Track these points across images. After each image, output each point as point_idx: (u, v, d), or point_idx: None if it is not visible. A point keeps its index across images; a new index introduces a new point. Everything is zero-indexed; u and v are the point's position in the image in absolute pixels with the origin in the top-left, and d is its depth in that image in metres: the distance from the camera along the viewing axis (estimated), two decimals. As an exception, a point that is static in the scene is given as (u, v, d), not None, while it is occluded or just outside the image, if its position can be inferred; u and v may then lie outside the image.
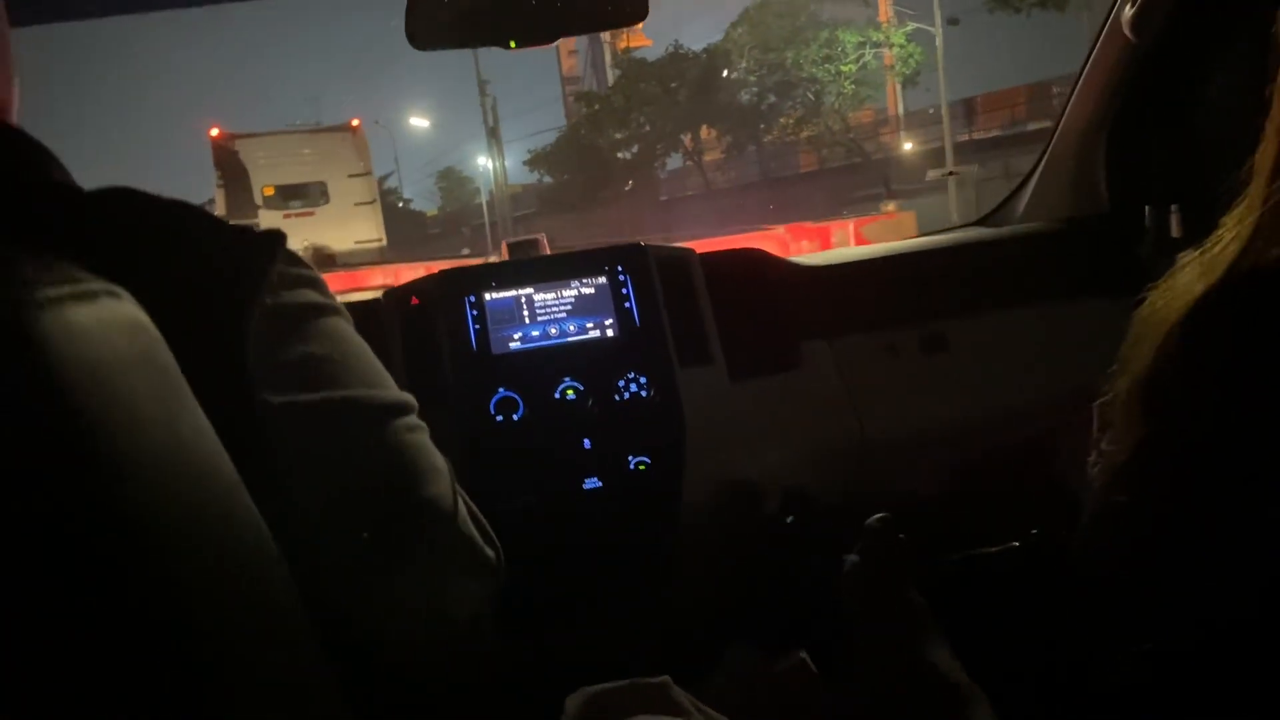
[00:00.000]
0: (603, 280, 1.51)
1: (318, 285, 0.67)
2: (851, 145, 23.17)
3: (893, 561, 0.86)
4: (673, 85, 23.33)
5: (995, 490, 1.60)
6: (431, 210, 46.96)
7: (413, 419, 0.69)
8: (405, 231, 38.79)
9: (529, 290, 1.49)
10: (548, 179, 32.37)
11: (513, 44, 1.34)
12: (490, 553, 0.73)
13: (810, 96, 22.15)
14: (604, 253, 1.54)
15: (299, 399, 0.61)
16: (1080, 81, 1.74)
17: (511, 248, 1.59)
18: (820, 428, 1.59)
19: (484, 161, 32.76)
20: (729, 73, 22.87)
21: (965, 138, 23.89)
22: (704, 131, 25.10)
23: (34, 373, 0.41)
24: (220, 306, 0.59)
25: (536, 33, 1.36)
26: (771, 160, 27.09)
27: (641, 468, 1.44)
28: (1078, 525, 0.82)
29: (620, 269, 1.51)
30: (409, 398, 0.70)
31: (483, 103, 26.69)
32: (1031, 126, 22.53)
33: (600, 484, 1.43)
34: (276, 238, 0.65)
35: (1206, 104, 1.62)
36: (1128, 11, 1.55)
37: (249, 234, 0.64)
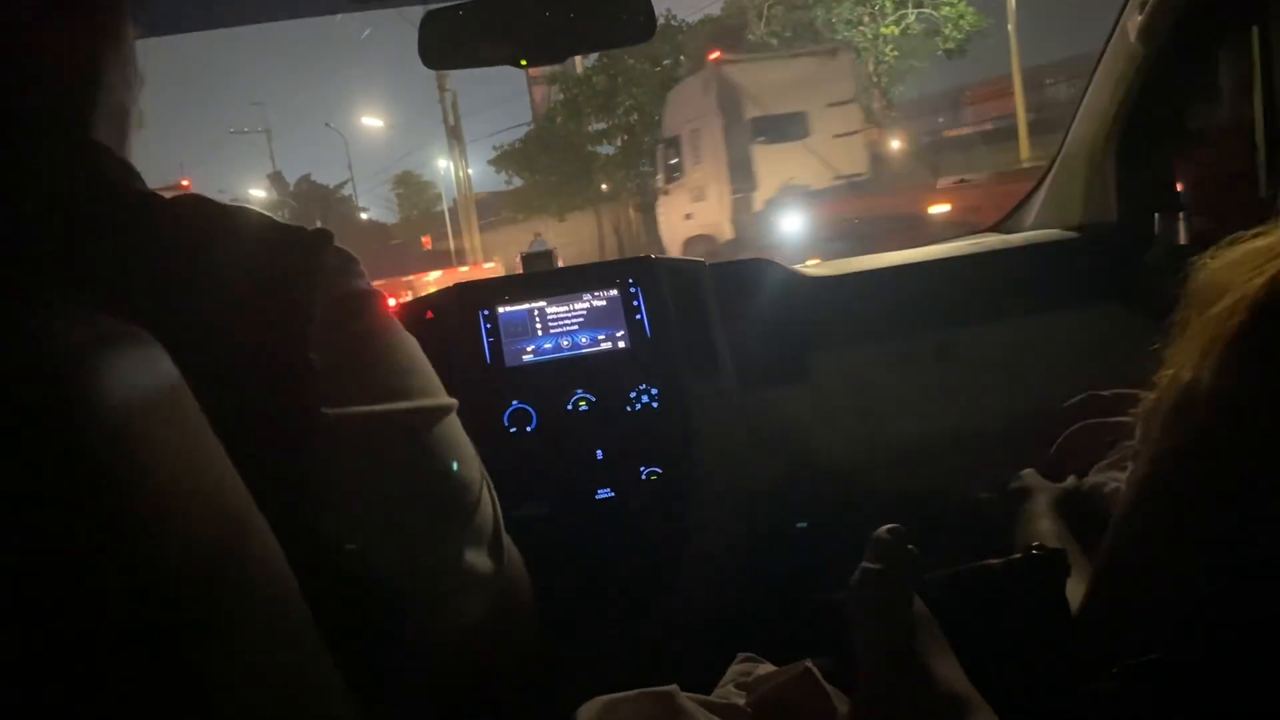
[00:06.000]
0: (614, 293, 1.52)
1: (364, 276, 0.65)
2: (890, 125, 19.57)
3: (901, 573, 0.86)
4: (666, 62, 19.73)
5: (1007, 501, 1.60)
6: (393, 220, 40.80)
7: (452, 420, 0.68)
8: (363, 246, 34.08)
9: (542, 303, 1.51)
10: (516, 181, 27.61)
11: (523, 62, 1.37)
12: (490, 562, 0.71)
13: (844, 67, 18.37)
14: (615, 266, 1.56)
15: (351, 411, 0.60)
16: (1089, 89, 1.74)
17: (525, 261, 1.61)
18: (830, 438, 1.60)
19: (444, 164, 27.71)
20: (744, 35, 18.72)
21: (954, 132, 22.58)
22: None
23: (65, 429, 0.42)
24: (279, 308, 0.58)
25: (546, 52, 1.37)
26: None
27: (653, 478, 1.45)
28: (1102, 535, 0.82)
29: (631, 281, 1.53)
30: (447, 399, 0.69)
31: (441, 98, 23.68)
32: (1032, 117, 20.49)
33: (612, 494, 1.45)
34: (326, 234, 0.64)
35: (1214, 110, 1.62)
36: (1135, 19, 1.55)
37: (299, 233, 0.63)
